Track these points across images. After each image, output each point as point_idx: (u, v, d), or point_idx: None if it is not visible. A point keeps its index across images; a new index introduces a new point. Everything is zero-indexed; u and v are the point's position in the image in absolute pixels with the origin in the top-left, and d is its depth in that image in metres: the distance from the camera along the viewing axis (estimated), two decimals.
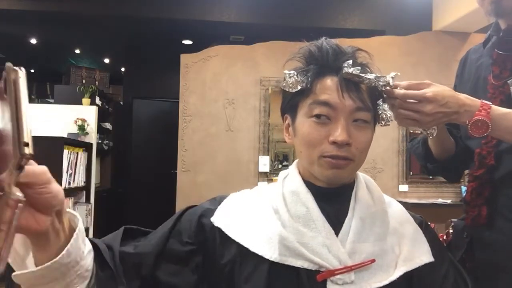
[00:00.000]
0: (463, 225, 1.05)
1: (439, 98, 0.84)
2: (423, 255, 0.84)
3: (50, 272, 0.63)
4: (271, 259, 0.78)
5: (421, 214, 0.95)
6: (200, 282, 0.81)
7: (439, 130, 0.97)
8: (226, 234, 0.82)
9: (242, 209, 0.87)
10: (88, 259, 0.69)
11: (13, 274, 0.63)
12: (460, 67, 1.21)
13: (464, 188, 4.62)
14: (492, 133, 0.88)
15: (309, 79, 0.84)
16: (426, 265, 0.83)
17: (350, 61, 0.82)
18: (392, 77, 0.85)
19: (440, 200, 4.50)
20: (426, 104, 0.84)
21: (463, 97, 0.87)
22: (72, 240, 0.64)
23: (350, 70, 0.81)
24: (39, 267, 0.62)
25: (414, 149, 1.20)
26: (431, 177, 4.79)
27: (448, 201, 4.50)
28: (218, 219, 0.84)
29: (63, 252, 0.63)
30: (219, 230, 0.83)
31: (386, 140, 4.58)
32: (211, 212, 0.86)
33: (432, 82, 0.87)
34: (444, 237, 1.09)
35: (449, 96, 0.85)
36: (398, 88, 0.85)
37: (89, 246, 0.71)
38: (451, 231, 1.10)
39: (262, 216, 0.84)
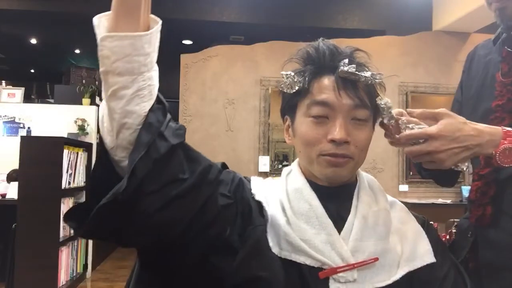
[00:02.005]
0: (467, 224, 1.04)
1: (446, 133, 0.79)
2: (425, 255, 0.84)
3: (131, 49, 0.65)
4: (275, 253, 0.78)
5: (421, 214, 0.95)
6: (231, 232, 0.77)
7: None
8: (263, 210, 0.81)
9: (266, 195, 0.85)
10: (157, 78, 0.71)
11: (103, 35, 0.65)
12: (468, 62, 1.18)
13: (464, 188, 4.63)
14: None
15: (306, 79, 0.84)
16: (427, 265, 0.83)
17: (346, 60, 0.82)
18: (391, 112, 0.83)
19: (440, 200, 4.51)
20: (431, 142, 0.79)
21: (480, 127, 0.82)
22: (154, 29, 0.68)
23: (346, 68, 0.81)
24: (128, 33, 0.65)
25: None
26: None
27: (448, 201, 4.50)
28: (257, 194, 0.83)
29: (147, 32, 0.67)
30: (259, 203, 0.82)
31: (386, 140, 4.57)
32: (248, 183, 0.86)
33: (448, 112, 0.82)
34: (447, 237, 1.08)
35: (459, 129, 0.80)
36: (406, 117, 0.82)
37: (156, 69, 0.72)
38: (454, 230, 1.10)
39: (274, 208, 0.83)
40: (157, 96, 0.72)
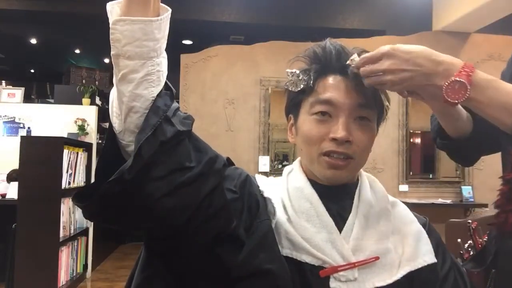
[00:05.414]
0: (495, 232, 1.00)
1: (399, 53, 0.74)
2: (426, 256, 0.84)
3: (142, 33, 0.67)
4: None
5: (421, 214, 0.95)
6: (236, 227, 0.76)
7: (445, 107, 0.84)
8: (271, 206, 0.81)
9: (270, 193, 0.85)
10: (166, 65, 0.72)
11: (115, 19, 0.67)
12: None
13: (464, 188, 4.63)
14: (471, 103, 0.75)
15: (312, 78, 0.84)
16: (428, 265, 0.83)
17: (355, 54, 0.82)
18: (352, 60, 0.80)
19: (440, 200, 4.51)
20: (384, 61, 0.74)
21: (444, 56, 0.75)
22: (164, 16, 0.69)
23: (353, 57, 0.80)
24: (139, 17, 0.67)
25: (431, 122, 1.08)
26: (431, 176, 4.79)
27: (448, 201, 4.51)
28: (266, 191, 0.83)
29: (157, 18, 0.68)
30: (269, 200, 0.81)
31: (386, 140, 4.58)
32: (255, 180, 0.85)
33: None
34: (485, 238, 1.03)
35: (418, 51, 0.74)
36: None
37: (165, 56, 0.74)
38: (485, 238, 1.05)
39: (277, 206, 0.83)
40: (165, 83, 0.74)
